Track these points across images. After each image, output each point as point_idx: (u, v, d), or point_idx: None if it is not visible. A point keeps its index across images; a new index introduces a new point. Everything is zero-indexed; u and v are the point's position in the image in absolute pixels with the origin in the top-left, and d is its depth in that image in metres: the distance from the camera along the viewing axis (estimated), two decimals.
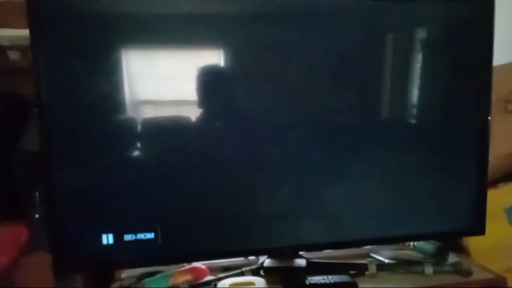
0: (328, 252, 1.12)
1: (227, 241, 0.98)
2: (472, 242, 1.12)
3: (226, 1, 0.94)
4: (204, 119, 0.94)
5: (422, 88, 1.05)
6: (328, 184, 1.02)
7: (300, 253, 1.05)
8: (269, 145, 0.99)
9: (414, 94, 1.05)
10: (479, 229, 1.07)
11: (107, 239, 0.89)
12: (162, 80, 0.92)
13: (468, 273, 1.01)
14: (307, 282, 0.95)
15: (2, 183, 1.00)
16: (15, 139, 1.01)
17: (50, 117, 0.84)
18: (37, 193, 0.99)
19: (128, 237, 0.91)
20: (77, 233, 0.88)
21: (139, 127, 0.91)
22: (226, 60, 0.96)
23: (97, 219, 0.89)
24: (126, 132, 0.91)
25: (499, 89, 1.13)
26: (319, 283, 0.95)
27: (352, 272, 1.02)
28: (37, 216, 0.98)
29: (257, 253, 1.04)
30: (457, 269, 1.02)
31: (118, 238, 0.90)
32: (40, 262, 0.90)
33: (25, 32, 0.82)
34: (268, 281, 0.96)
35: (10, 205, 0.99)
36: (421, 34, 1.04)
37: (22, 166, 1.01)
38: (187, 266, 0.99)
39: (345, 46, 1.00)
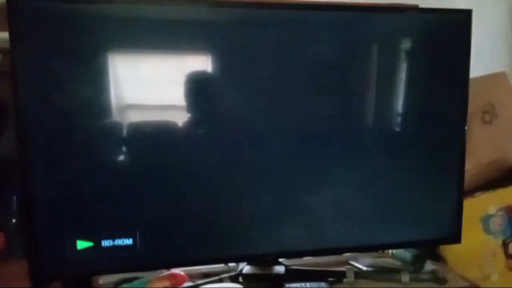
0: (308, 259, 1.12)
1: (206, 247, 0.98)
2: (449, 250, 1.14)
3: (212, 7, 0.94)
4: (185, 124, 0.94)
5: (401, 98, 1.07)
6: (309, 191, 1.03)
7: (280, 260, 1.06)
8: (251, 151, 1.00)
9: (394, 104, 1.07)
10: (455, 237, 1.09)
11: (84, 245, 0.89)
12: (144, 85, 0.92)
13: (443, 281, 1.02)
14: None
15: None
16: None
17: (27, 122, 0.84)
18: (14, 198, 0.98)
19: (106, 243, 0.90)
20: (53, 239, 0.87)
21: (116, 131, 0.91)
22: (211, 65, 0.96)
23: (74, 224, 0.89)
24: (104, 136, 0.91)
25: (477, 100, 1.15)
26: None
27: (331, 279, 1.03)
28: (13, 221, 0.97)
29: (237, 260, 1.04)
30: (433, 277, 1.04)
31: (95, 244, 0.90)
32: (17, 269, 0.89)
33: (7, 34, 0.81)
34: None
35: None
36: (400, 44, 1.06)
37: None
38: (165, 272, 0.99)
39: (328, 54, 1.02)
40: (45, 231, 0.86)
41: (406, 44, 1.06)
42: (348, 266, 1.08)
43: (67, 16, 0.85)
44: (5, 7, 0.80)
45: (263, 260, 1.04)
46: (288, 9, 0.98)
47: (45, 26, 0.84)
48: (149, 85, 0.92)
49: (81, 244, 0.88)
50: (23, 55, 0.82)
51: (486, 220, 1.14)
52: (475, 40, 1.07)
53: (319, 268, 1.07)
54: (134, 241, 0.92)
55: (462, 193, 1.09)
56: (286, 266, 1.04)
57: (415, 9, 1.09)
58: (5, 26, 0.82)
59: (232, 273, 1.03)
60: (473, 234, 1.13)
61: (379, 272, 1.06)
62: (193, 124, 0.95)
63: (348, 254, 1.15)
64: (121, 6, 0.89)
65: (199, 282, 0.99)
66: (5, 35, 0.82)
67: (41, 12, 0.83)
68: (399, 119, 1.08)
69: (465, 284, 1.03)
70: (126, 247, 0.91)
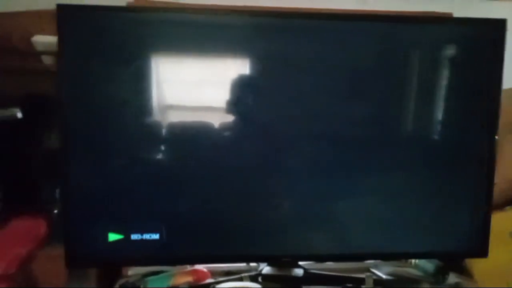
0: (328, 264, 1.14)
1: (229, 245, 1.02)
2: (476, 264, 1.11)
3: (249, 13, 0.98)
4: (219, 125, 0.98)
5: (430, 108, 1.06)
6: (333, 197, 1.04)
7: (300, 263, 1.08)
8: (280, 154, 1.02)
9: (422, 114, 1.06)
10: (482, 251, 1.06)
11: (115, 237, 0.96)
12: (183, 86, 0.98)
13: None
14: None
15: (26, 179, 1.09)
16: (41, 138, 1.10)
17: (69, 118, 0.92)
18: (57, 190, 1.07)
19: (134, 237, 0.97)
20: (87, 230, 0.95)
21: (151, 130, 0.96)
22: (247, 69, 0.99)
23: (106, 217, 0.96)
24: (138, 135, 0.96)
25: (507, 112, 1.12)
26: None
27: (349, 285, 1.04)
28: (56, 211, 1.06)
29: (256, 259, 1.07)
30: None
31: (125, 236, 0.96)
32: (56, 255, 0.97)
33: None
34: None
35: (32, 200, 1.08)
36: (432, 54, 1.05)
37: (44, 164, 1.10)
38: (189, 268, 1.04)
39: (361, 62, 1.03)
40: (81, 222, 0.94)
41: (438, 54, 1.05)
42: (368, 274, 1.08)
43: (110, 22, 0.92)
44: (55, 14, 0.88)
45: (282, 262, 1.07)
46: (324, 19, 1.00)
47: (90, 31, 0.91)
48: (188, 87, 0.98)
49: (113, 236, 0.96)
50: (70, 57, 0.91)
51: None
52: (508, 50, 1.04)
53: (337, 274, 1.08)
54: (160, 236, 0.97)
55: (490, 205, 1.06)
56: (305, 269, 1.07)
57: (449, 19, 1.08)
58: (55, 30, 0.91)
59: (252, 273, 1.06)
60: (502, 249, 1.09)
61: (398, 282, 1.06)
62: (226, 125, 0.99)
63: (370, 261, 1.15)
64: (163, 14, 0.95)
65: (220, 279, 1.04)
66: (56, 38, 0.91)
67: (87, 18, 0.91)
68: (427, 130, 1.07)
69: None
70: (153, 241, 0.97)
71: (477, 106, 1.06)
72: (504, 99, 1.04)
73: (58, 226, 1.01)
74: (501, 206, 1.12)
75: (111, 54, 0.93)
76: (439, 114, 1.06)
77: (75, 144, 0.93)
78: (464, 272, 1.13)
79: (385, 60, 1.04)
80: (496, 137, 1.05)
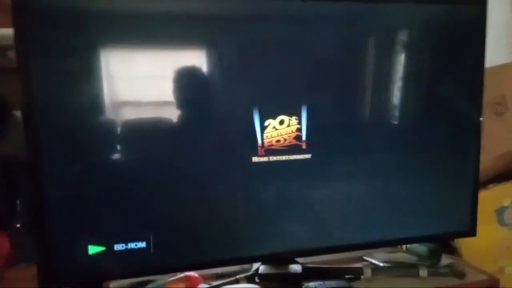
0: (321, 257, 1.10)
1: (220, 249, 0.95)
2: (464, 244, 1.13)
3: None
4: (200, 124, 0.91)
5: (414, 91, 1.05)
6: (321, 188, 1.00)
7: (296, 259, 1.03)
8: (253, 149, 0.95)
9: (406, 97, 1.04)
10: (471, 231, 1.08)
11: (96, 250, 0.85)
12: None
13: (462, 274, 1.01)
14: None
15: None
16: None
17: (36, 121, 0.79)
18: (18, 201, 0.93)
19: (118, 247, 0.86)
20: (64, 244, 0.83)
21: (130, 134, 0.87)
22: (206, 61, 0.91)
23: (85, 228, 0.84)
24: (115, 138, 0.86)
25: (490, 91, 1.14)
26: None
27: (348, 276, 1.01)
28: (18, 225, 0.92)
29: (252, 260, 1.01)
30: (452, 271, 1.02)
31: (107, 248, 0.86)
32: (25, 275, 0.85)
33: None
34: None
35: None
36: (413, 36, 1.04)
37: (1, 172, 0.96)
38: (180, 275, 0.96)
39: (329, 50, 0.98)
40: (56, 236, 0.82)
41: (420, 35, 1.04)
42: (365, 263, 1.06)
43: (62, 11, 0.79)
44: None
45: (278, 260, 1.02)
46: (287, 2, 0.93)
47: (43, 22, 0.79)
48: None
49: (93, 249, 0.84)
50: (27, 52, 0.77)
51: (500, 212, 1.13)
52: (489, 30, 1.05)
53: (336, 266, 1.04)
54: (147, 244, 0.88)
55: (477, 186, 1.08)
56: (302, 264, 1.02)
57: None
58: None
59: (248, 273, 0.99)
60: (487, 227, 1.12)
61: (396, 268, 1.04)
62: (206, 123, 0.92)
63: (363, 250, 1.13)
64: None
65: (214, 283, 0.96)
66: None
67: (40, 8, 0.78)
68: (411, 113, 1.06)
69: (483, 277, 1.02)
70: (139, 250, 0.87)
71: (461, 87, 1.07)
72: (488, 78, 1.05)
73: (23, 243, 0.88)
74: (485, 185, 1.14)
75: (59, 48, 0.80)
76: (424, 97, 1.06)
77: (45, 150, 0.80)
78: (453, 252, 1.14)
79: (365, 44, 1.01)
80: (481, 118, 1.06)
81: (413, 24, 1.03)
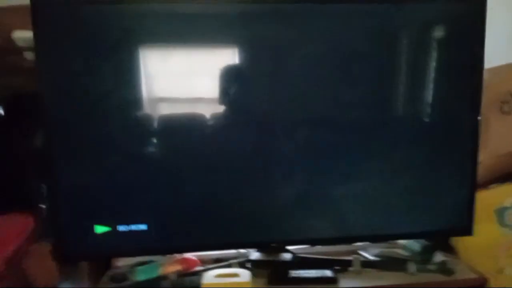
0: (317, 248, 1.15)
1: (217, 233, 1.03)
2: (461, 242, 1.13)
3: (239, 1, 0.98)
4: (205, 115, 0.99)
5: (414, 88, 1.06)
6: (319, 181, 1.05)
7: (289, 248, 1.09)
8: (270, 141, 1.02)
9: (406, 94, 1.06)
10: (467, 229, 1.07)
11: (102, 229, 0.97)
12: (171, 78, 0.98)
13: (451, 272, 1.02)
14: (289, 275, 0.99)
15: (14, 176, 1.09)
16: (27, 136, 1.10)
17: (53, 115, 0.92)
18: (43, 186, 1.07)
19: (121, 228, 0.97)
20: (75, 224, 0.96)
21: (135, 124, 0.97)
22: (238, 58, 0.99)
23: (93, 210, 0.96)
24: (123, 128, 0.97)
25: (495, 90, 1.12)
26: (300, 276, 0.99)
27: (337, 267, 1.05)
28: (43, 207, 1.07)
29: (245, 246, 1.08)
30: (441, 268, 1.03)
31: (112, 228, 0.97)
32: (45, 250, 0.98)
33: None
34: (254, 274, 1.00)
35: (20, 196, 1.08)
36: (414, 35, 1.05)
37: (32, 161, 1.10)
38: (178, 257, 1.05)
39: (348, 45, 1.03)
40: (68, 217, 0.95)
41: (420, 34, 1.05)
42: (356, 256, 1.10)
43: (94, 14, 0.92)
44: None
45: (271, 247, 1.08)
46: (311, 3, 0.98)
47: (74, 24, 0.91)
48: (177, 78, 0.98)
49: (99, 229, 0.96)
50: (48, 52, 0.90)
51: (501, 212, 1.11)
52: (495, 30, 1.04)
53: (325, 257, 1.09)
54: (148, 226, 0.98)
55: (474, 184, 1.07)
56: (293, 253, 1.08)
57: None
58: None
59: (241, 259, 1.07)
60: (487, 227, 1.10)
61: (385, 262, 1.07)
62: (212, 115, 1.00)
63: (359, 244, 1.17)
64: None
65: (209, 267, 1.05)
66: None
67: (70, 11, 0.90)
68: (410, 110, 1.07)
69: (473, 276, 1.02)
70: (141, 232, 0.98)
71: (460, 85, 1.06)
72: (491, 77, 1.04)
73: (46, 222, 1.02)
74: (487, 184, 1.13)
75: (95, 48, 0.92)
76: (423, 94, 1.06)
77: (60, 139, 0.94)
78: (450, 250, 1.14)
79: (371, 43, 1.03)
80: (479, 117, 1.05)
81: (413, 24, 1.04)
